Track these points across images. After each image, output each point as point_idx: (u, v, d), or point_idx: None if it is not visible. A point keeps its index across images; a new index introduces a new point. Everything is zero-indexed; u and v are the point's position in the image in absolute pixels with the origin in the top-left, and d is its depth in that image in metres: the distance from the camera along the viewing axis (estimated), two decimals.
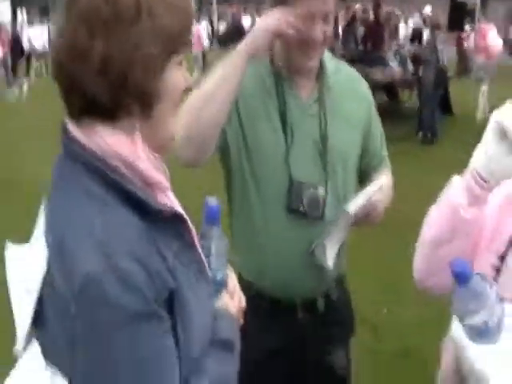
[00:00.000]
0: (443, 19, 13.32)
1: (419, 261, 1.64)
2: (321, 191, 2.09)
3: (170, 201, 1.30)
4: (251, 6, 26.44)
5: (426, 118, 11.66)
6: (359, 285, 5.07)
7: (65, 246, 1.13)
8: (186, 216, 1.29)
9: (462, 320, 1.32)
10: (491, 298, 1.29)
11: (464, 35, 19.60)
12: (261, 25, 1.96)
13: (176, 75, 1.24)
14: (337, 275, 2.26)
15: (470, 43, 19.01)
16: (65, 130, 1.22)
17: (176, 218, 1.25)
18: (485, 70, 15.44)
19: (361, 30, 16.15)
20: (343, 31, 15.99)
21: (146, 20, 1.16)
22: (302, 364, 2.24)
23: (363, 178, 2.23)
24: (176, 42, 1.22)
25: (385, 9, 15.33)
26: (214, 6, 27.77)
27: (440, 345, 1.68)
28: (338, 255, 2.13)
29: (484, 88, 13.76)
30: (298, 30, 1.96)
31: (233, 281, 1.51)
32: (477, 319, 1.28)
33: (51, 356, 1.20)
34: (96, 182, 1.16)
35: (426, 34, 14.72)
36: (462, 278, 1.29)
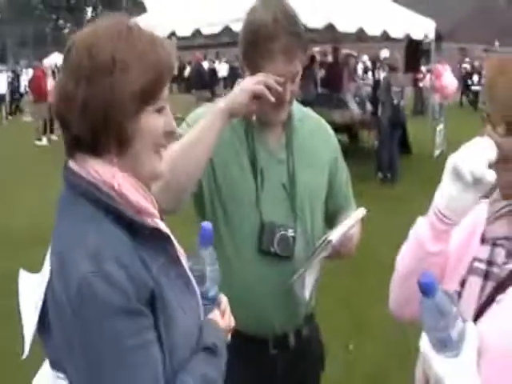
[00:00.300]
0: (400, 61, 13.63)
1: (393, 292, 1.77)
2: (290, 232, 2.22)
3: (157, 224, 1.50)
4: (211, 53, 27.16)
5: (384, 158, 11.86)
6: (329, 321, 5.22)
7: (64, 257, 1.37)
8: (170, 235, 1.52)
9: (427, 331, 1.45)
10: (453, 313, 1.42)
11: (420, 76, 20.15)
12: (242, 88, 2.08)
13: (152, 120, 1.45)
14: (307, 312, 2.38)
15: (426, 83, 19.55)
16: (65, 165, 1.47)
17: (161, 236, 1.49)
18: (440, 109, 15.90)
19: (320, 73, 16.48)
20: (302, 75, 16.25)
21: (120, 73, 1.39)
22: None
23: (331, 217, 2.35)
24: (148, 91, 1.43)
25: (343, 51, 15.71)
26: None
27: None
28: (314, 288, 2.23)
29: (440, 126, 14.15)
30: (273, 92, 2.09)
31: (224, 302, 1.70)
32: (440, 331, 1.41)
33: (55, 360, 1.44)
34: (90, 206, 1.40)
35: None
36: (428, 289, 1.41)
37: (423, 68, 19.35)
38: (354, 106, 13.79)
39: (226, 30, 11.25)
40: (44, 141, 18.12)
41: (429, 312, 1.42)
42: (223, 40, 14.14)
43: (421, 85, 20.62)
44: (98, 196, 1.40)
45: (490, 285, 1.53)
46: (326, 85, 15.39)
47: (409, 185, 9.40)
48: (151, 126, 1.45)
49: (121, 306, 1.32)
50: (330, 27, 10.94)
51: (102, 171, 1.42)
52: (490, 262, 1.57)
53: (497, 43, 37.99)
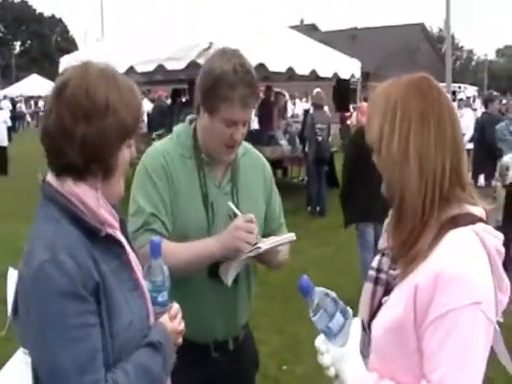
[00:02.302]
0: (329, 99, 13.98)
1: None
2: None
3: (114, 233, 1.80)
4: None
5: (313, 192, 12.21)
6: (264, 344, 5.45)
7: (29, 247, 1.68)
8: (124, 244, 1.84)
9: (316, 323, 1.76)
10: (330, 309, 1.73)
11: (348, 114, 20.72)
12: (231, 243, 2.36)
13: (126, 152, 1.78)
14: (244, 322, 2.72)
15: (353, 120, 20.11)
16: (44, 179, 1.76)
17: (116, 243, 1.80)
18: None
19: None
20: None
21: (111, 115, 1.69)
22: None
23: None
24: (129, 130, 1.75)
25: (274, 90, 16.07)
26: None
27: None
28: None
29: None
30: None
31: (176, 308, 1.96)
32: (320, 324, 1.75)
33: (21, 337, 1.70)
34: (56, 210, 1.70)
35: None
36: (305, 290, 1.75)
37: (351, 106, 19.91)
38: (284, 143, 14.12)
39: (160, 67, 11.47)
40: None
41: (314, 309, 1.75)
42: (156, 78, 14.32)
43: (348, 122, 21.20)
44: (63, 203, 1.71)
45: (380, 289, 1.82)
46: (257, 122, 15.75)
47: (336, 217, 9.74)
48: (126, 157, 1.79)
49: (67, 290, 1.60)
50: (261, 66, 11.27)
51: (78, 190, 1.71)
52: (378, 270, 1.86)
53: None
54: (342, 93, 15.12)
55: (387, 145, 1.68)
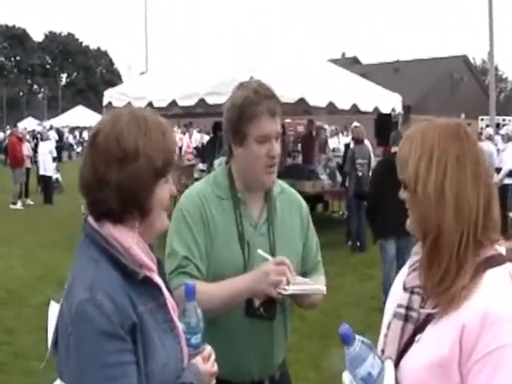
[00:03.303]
0: (370, 133, 13.94)
1: None
2: None
3: (151, 275, 1.84)
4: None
5: (353, 227, 12.10)
6: (301, 380, 5.42)
7: (70, 286, 1.75)
8: (161, 286, 1.88)
9: (352, 375, 1.77)
10: (371, 356, 1.75)
11: (389, 148, 20.56)
12: (259, 287, 2.38)
13: (163, 190, 1.84)
14: (280, 361, 2.71)
15: None
16: (85, 220, 1.84)
17: (152, 284, 1.84)
18: None
19: (292, 144, 16.82)
20: None
21: (143, 158, 1.76)
22: None
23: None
24: (162, 170, 1.81)
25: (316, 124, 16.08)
26: None
27: None
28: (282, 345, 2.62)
29: None
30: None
31: (208, 350, 1.99)
32: (362, 370, 1.74)
33: (60, 371, 1.76)
34: (96, 251, 1.77)
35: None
36: (347, 338, 1.76)
37: None
38: (324, 177, 14.04)
39: (201, 101, 11.63)
40: (19, 205, 18.24)
41: (352, 358, 1.76)
42: (198, 111, 14.51)
43: None
44: (103, 245, 1.77)
45: (410, 327, 1.83)
46: (298, 155, 15.76)
47: (377, 252, 9.70)
48: (162, 195, 1.84)
49: (105, 329, 1.65)
50: (302, 101, 11.35)
51: (114, 231, 1.78)
52: (408, 308, 1.86)
53: (463, 115, 39.09)
54: (384, 127, 15.06)
55: (423, 185, 1.73)
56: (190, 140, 24.72)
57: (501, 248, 1.77)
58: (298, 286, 2.40)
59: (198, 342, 1.97)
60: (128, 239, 1.78)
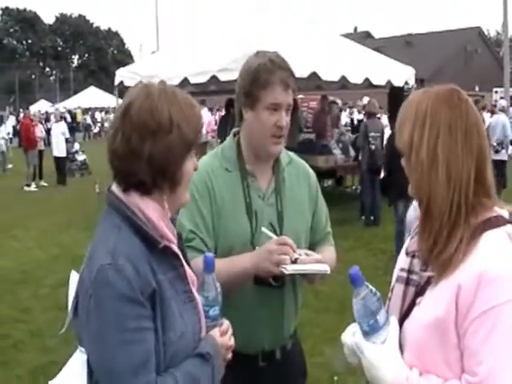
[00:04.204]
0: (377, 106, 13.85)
1: None
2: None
3: (173, 247, 1.86)
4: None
5: (366, 201, 12.01)
6: (317, 355, 5.41)
7: (92, 252, 1.78)
8: (181, 257, 1.89)
9: (359, 319, 1.82)
10: (378, 303, 1.80)
11: None
12: (263, 266, 2.37)
13: (190, 163, 1.88)
14: (291, 331, 2.72)
15: None
16: (109, 189, 1.86)
17: (173, 255, 1.86)
18: None
19: (304, 120, 16.73)
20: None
21: (176, 131, 1.79)
22: None
23: (311, 248, 2.65)
24: (192, 143, 1.85)
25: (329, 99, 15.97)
26: None
27: None
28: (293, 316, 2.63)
29: None
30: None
31: (227, 324, 2.01)
32: (370, 317, 1.79)
33: (79, 336, 1.80)
34: (119, 218, 1.79)
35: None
36: (356, 279, 1.81)
37: None
38: (337, 152, 13.98)
39: (213, 78, 11.58)
40: (33, 187, 18.34)
41: (360, 302, 1.80)
42: (210, 88, 14.44)
43: None
44: (126, 212, 1.79)
45: (411, 290, 1.87)
46: (310, 131, 15.70)
47: (391, 226, 9.65)
48: (190, 168, 1.88)
49: (125, 294, 1.67)
50: (314, 75, 11.28)
51: (141, 202, 1.80)
52: (409, 271, 1.91)
53: (477, 88, 38.77)
54: (396, 100, 14.97)
55: (416, 152, 1.79)
56: (212, 116, 24.61)
57: (503, 211, 1.80)
58: (300, 265, 2.38)
59: (216, 313, 1.98)
60: (154, 212, 1.81)
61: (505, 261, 1.66)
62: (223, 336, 1.98)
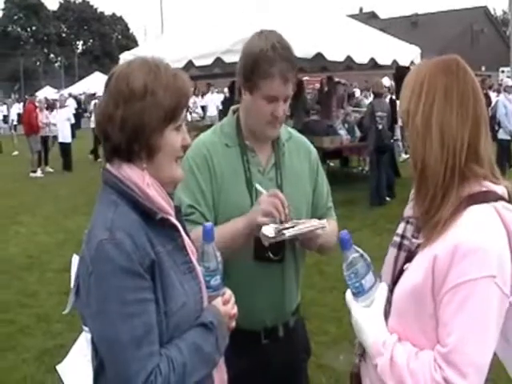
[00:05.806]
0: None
1: None
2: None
3: (170, 219, 1.87)
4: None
5: (373, 181, 11.94)
6: (322, 334, 5.39)
7: (90, 228, 1.79)
8: (180, 228, 1.90)
9: (347, 281, 1.85)
10: (366, 267, 1.83)
11: None
12: (252, 216, 2.36)
13: (173, 136, 1.86)
14: (293, 308, 2.70)
15: None
16: (104, 167, 1.87)
17: (171, 226, 1.87)
18: None
19: (310, 101, 16.67)
20: (293, 103, 16.47)
21: (150, 98, 1.79)
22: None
23: None
24: (172, 113, 1.83)
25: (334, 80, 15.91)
26: None
27: None
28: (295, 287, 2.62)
29: None
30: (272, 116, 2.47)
31: (229, 293, 2.01)
32: (354, 280, 1.83)
33: (82, 315, 1.82)
34: (115, 194, 1.81)
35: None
36: (344, 242, 1.85)
37: None
38: (343, 132, 13.90)
39: (218, 60, 11.51)
40: (39, 173, 18.34)
41: (348, 265, 1.83)
42: (215, 71, 14.36)
43: None
44: (122, 187, 1.80)
45: (402, 255, 1.92)
46: (316, 112, 15.63)
47: (399, 206, 9.61)
48: (172, 140, 1.86)
49: (125, 266, 1.68)
50: (319, 56, 11.19)
51: (131, 173, 1.81)
52: (402, 236, 1.95)
53: (483, 68, 38.54)
54: (402, 80, 14.87)
55: (412, 119, 1.82)
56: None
57: (497, 186, 1.80)
58: (296, 226, 2.34)
59: (218, 283, 1.97)
60: (142, 178, 1.81)
61: (481, 235, 1.67)
62: (226, 305, 1.97)
